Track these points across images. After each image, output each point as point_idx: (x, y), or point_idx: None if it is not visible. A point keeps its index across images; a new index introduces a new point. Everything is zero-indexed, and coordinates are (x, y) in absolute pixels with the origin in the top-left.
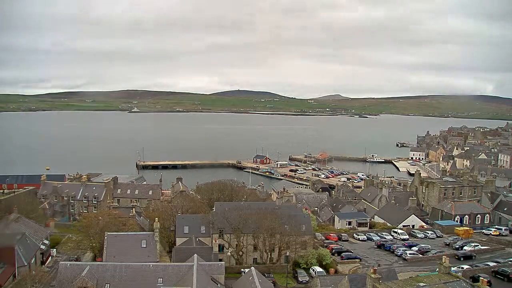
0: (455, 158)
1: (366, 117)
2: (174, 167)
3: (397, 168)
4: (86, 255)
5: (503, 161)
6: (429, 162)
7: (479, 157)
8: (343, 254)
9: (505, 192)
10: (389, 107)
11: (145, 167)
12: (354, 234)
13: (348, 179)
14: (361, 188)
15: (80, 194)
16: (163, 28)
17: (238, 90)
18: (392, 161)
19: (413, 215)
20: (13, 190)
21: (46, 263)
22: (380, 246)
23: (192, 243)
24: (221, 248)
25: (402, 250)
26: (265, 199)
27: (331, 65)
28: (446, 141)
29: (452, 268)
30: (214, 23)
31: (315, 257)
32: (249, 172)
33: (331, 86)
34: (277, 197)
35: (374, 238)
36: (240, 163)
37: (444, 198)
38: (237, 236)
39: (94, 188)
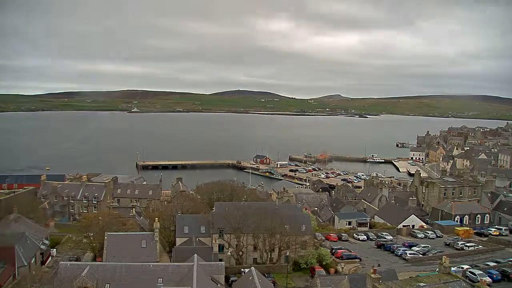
0: (455, 158)
1: (367, 117)
2: (174, 167)
3: (397, 168)
4: (86, 255)
5: (503, 161)
6: (429, 162)
7: (479, 157)
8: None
9: (505, 192)
10: (389, 107)
11: (145, 167)
12: (354, 234)
13: (345, 179)
14: (361, 188)
15: (80, 194)
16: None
17: (238, 90)
18: (392, 161)
19: (413, 215)
20: (13, 190)
21: (46, 263)
22: (380, 246)
23: (192, 243)
24: (221, 248)
25: (402, 250)
26: (265, 199)
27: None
28: (446, 141)
29: (452, 268)
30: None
31: (315, 257)
32: (249, 172)
33: (331, 86)
34: (277, 197)
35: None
36: (240, 163)
37: (444, 198)
38: (237, 236)
39: (94, 188)
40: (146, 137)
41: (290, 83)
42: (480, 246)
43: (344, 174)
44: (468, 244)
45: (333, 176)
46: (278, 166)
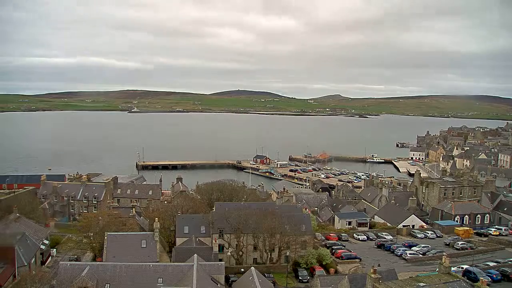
0: (455, 158)
1: (367, 117)
2: (174, 167)
3: (397, 168)
4: (86, 255)
5: (503, 161)
6: (429, 162)
7: (479, 157)
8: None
9: (505, 192)
10: (389, 107)
11: (145, 167)
12: (354, 234)
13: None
14: (361, 188)
15: (80, 194)
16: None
17: (238, 90)
18: (392, 161)
19: (413, 215)
20: (13, 190)
21: (46, 263)
22: (380, 246)
23: (192, 243)
24: (221, 248)
25: (402, 250)
26: (265, 199)
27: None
28: (446, 141)
29: (452, 268)
30: None
31: (315, 257)
32: (249, 172)
33: (331, 86)
34: (277, 197)
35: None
36: (240, 163)
37: (444, 198)
38: (237, 236)
39: (94, 188)
40: (146, 137)
41: (290, 83)
42: (478, 246)
43: (344, 174)
44: (466, 245)
45: (333, 176)
46: (278, 166)
